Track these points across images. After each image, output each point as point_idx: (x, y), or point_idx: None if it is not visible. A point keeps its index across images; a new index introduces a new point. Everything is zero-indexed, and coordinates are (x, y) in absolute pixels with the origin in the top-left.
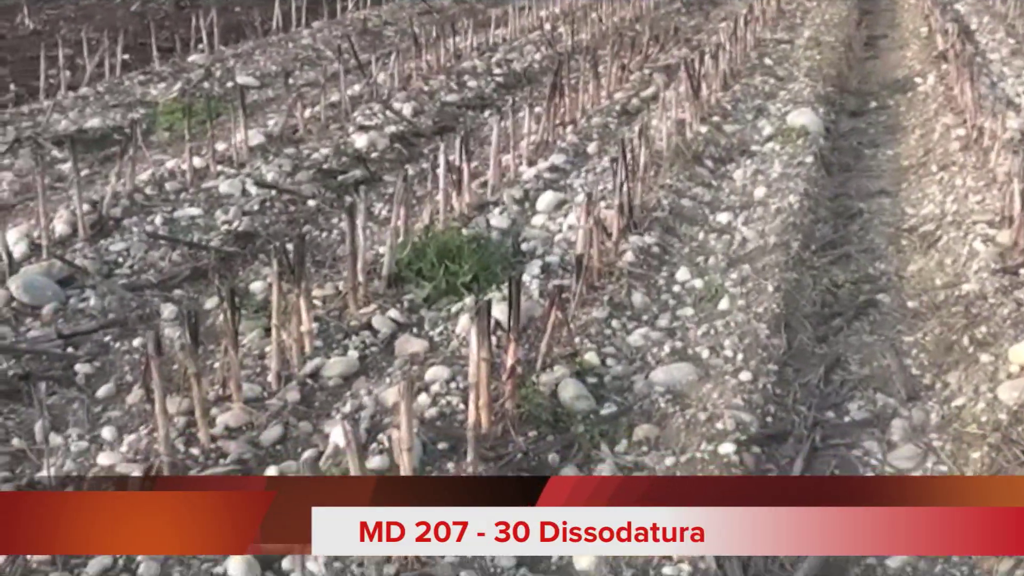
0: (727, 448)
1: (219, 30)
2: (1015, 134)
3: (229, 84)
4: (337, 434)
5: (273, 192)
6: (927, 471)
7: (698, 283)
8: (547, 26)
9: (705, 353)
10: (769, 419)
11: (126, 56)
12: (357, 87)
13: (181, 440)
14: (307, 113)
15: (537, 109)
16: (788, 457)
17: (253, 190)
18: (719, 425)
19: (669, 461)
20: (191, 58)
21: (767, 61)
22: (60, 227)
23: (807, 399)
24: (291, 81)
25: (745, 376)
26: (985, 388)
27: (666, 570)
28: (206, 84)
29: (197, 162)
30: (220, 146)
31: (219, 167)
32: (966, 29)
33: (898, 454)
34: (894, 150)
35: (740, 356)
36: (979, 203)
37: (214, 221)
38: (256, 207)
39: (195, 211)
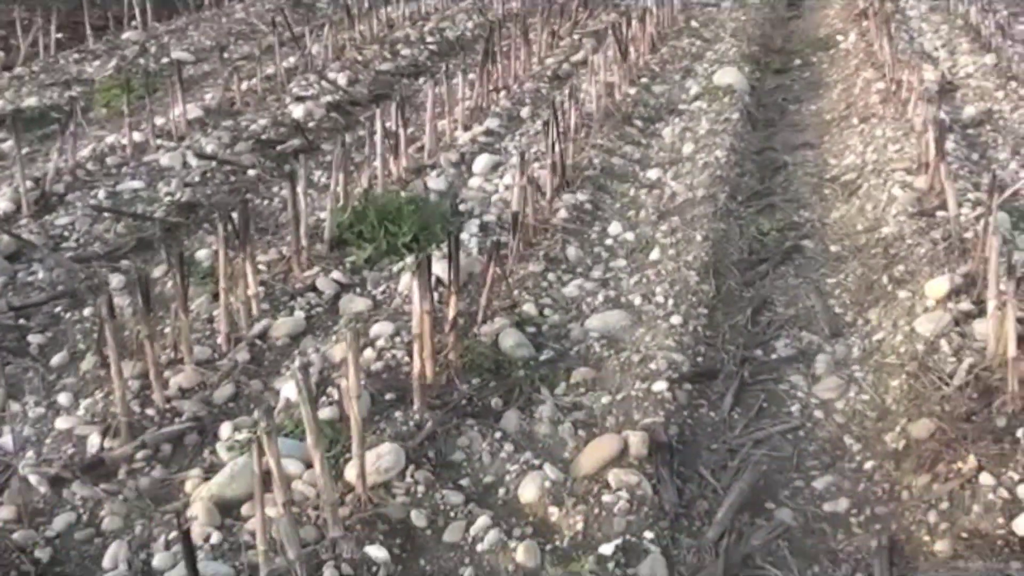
0: (660, 386)
1: (152, 6)
2: (931, 85)
3: (164, 60)
4: (288, 389)
5: (213, 163)
6: (850, 400)
7: (630, 236)
8: None
9: (638, 300)
10: (700, 359)
11: (60, 35)
12: (292, 59)
13: (136, 402)
14: (244, 86)
15: (471, 76)
16: (719, 393)
17: (194, 162)
18: (652, 366)
19: (605, 400)
20: (125, 35)
21: (694, 24)
22: (3, 204)
23: (735, 339)
24: (226, 55)
25: (676, 320)
26: (903, 322)
27: (606, 497)
28: (141, 60)
29: (137, 137)
30: (159, 120)
31: (159, 141)
32: None
33: (822, 386)
34: (817, 105)
35: (671, 302)
36: (897, 152)
37: (157, 193)
38: (197, 178)
39: (138, 184)
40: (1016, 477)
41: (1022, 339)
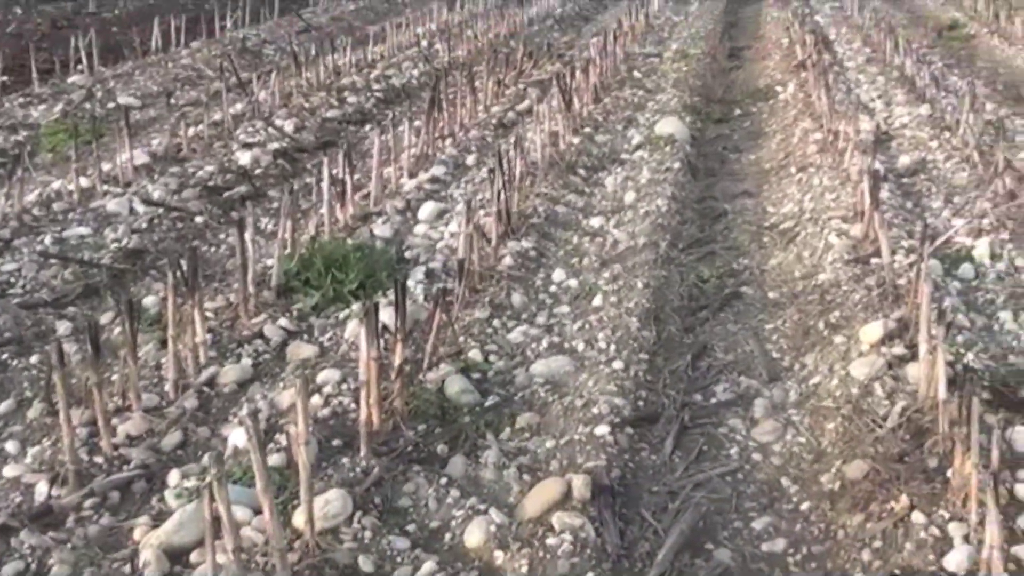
0: (602, 430)
1: (98, 51)
2: (867, 136)
3: (111, 105)
4: (236, 435)
5: (160, 210)
6: (787, 443)
7: (573, 283)
8: (424, 43)
9: (581, 346)
10: (641, 403)
11: (5, 78)
12: (239, 105)
13: (84, 450)
14: (191, 132)
15: (416, 123)
16: (660, 437)
17: (140, 208)
18: (595, 410)
19: (549, 444)
20: (71, 79)
21: (636, 74)
22: None
23: (676, 384)
24: (173, 101)
25: (618, 365)
26: (838, 366)
27: (550, 540)
28: (88, 105)
29: (84, 182)
30: (106, 166)
31: (106, 187)
32: (825, 39)
33: (760, 429)
34: (756, 154)
35: (613, 347)
36: (834, 200)
37: (104, 239)
38: (144, 225)
39: (84, 230)
40: (947, 515)
41: (952, 382)
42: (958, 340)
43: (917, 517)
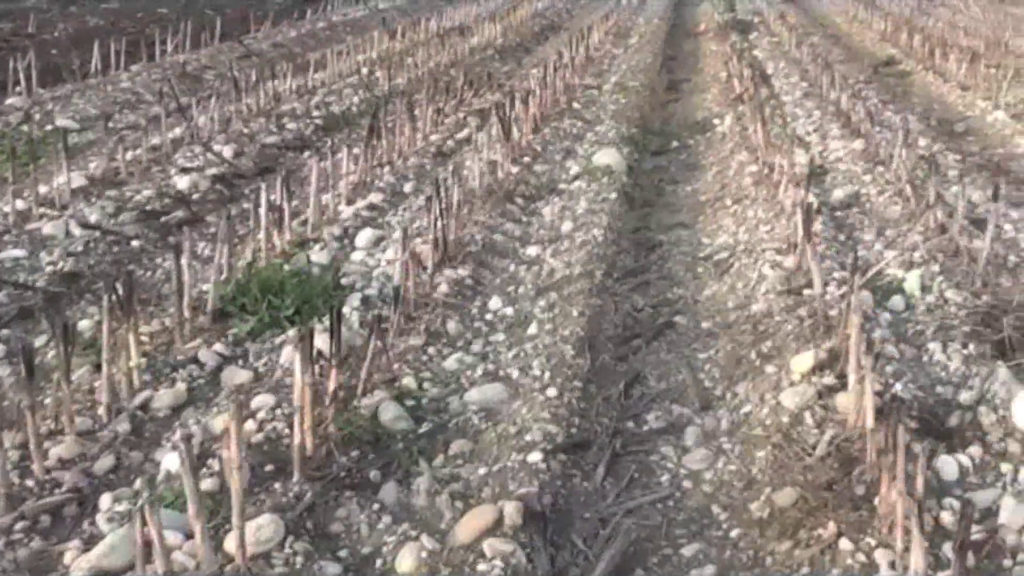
0: (535, 457)
1: (37, 73)
2: (802, 169)
3: (49, 127)
4: (169, 460)
5: (97, 233)
6: (717, 470)
7: (509, 311)
8: (364, 70)
9: (515, 374)
10: (574, 430)
11: None
12: (178, 130)
13: (16, 473)
14: (129, 156)
15: (355, 150)
16: (592, 463)
17: (77, 231)
18: (528, 437)
19: (482, 471)
20: (9, 101)
21: (575, 105)
22: None
23: (609, 412)
24: (112, 124)
25: (552, 392)
26: (769, 396)
27: (481, 566)
28: (25, 127)
29: (20, 204)
30: (42, 188)
31: (42, 209)
32: (763, 74)
33: (692, 457)
34: (693, 186)
35: (547, 375)
36: (768, 232)
37: (39, 262)
38: (80, 248)
39: (19, 252)
40: (873, 542)
41: (880, 411)
42: (887, 370)
43: (844, 544)
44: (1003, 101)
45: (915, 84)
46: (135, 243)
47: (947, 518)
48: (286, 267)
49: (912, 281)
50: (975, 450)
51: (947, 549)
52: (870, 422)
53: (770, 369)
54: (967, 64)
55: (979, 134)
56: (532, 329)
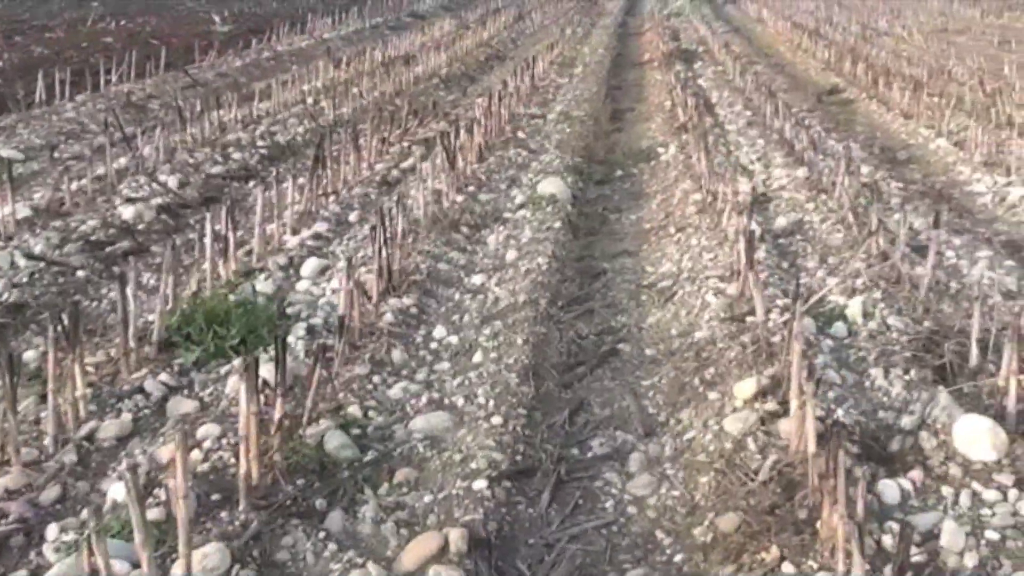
0: (480, 484)
1: None
2: (745, 197)
3: None
4: (116, 490)
5: (42, 264)
6: (661, 496)
7: (454, 339)
8: (310, 100)
9: (460, 402)
10: (519, 457)
11: None
12: (123, 160)
13: None
14: (74, 186)
15: (301, 180)
16: (537, 490)
17: (22, 262)
18: (473, 464)
19: (427, 499)
20: None
21: (520, 134)
22: None
23: (553, 439)
24: (57, 154)
25: (496, 420)
26: (713, 422)
27: None
28: None
29: None
30: None
31: None
32: (707, 102)
33: (636, 483)
34: (637, 214)
35: (492, 403)
36: (712, 260)
37: None
38: (26, 279)
39: None
40: (815, 566)
41: (822, 437)
42: (830, 396)
43: (787, 568)
44: (945, 129)
45: (859, 112)
46: (80, 274)
47: (888, 541)
48: (231, 297)
49: (854, 308)
50: (916, 474)
51: (888, 572)
52: (811, 447)
53: (713, 395)
54: (910, 93)
55: (922, 162)
56: (477, 357)
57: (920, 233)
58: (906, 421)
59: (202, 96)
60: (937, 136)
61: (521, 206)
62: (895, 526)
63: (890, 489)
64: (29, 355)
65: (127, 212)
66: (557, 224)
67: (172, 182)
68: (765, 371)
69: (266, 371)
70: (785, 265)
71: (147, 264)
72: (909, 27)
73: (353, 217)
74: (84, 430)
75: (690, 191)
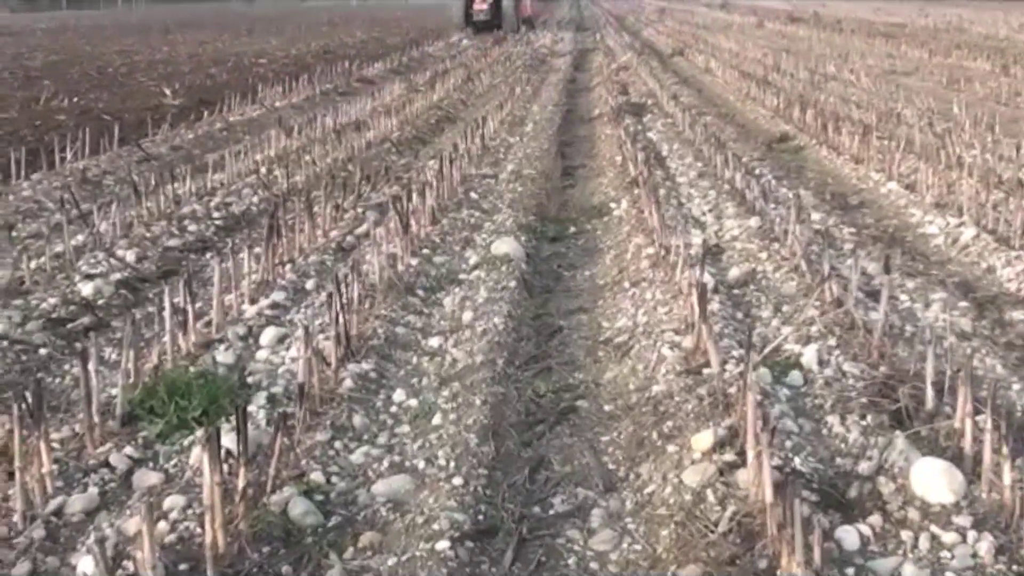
0: (443, 545)
1: None
2: (697, 250)
3: None
4: (85, 563)
5: (4, 343)
6: (623, 551)
7: (413, 402)
8: (263, 169)
9: (421, 464)
10: (481, 517)
11: None
12: (81, 237)
13: None
14: (33, 264)
15: (256, 250)
16: (500, 549)
17: None
18: (435, 526)
19: (391, 562)
20: None
21: (473, 195)
22: None
23: (515, 497)
24: (15, 234)
25: (458, 481)
26: (672, 475)
27: None
28: None
29: None
30: None
31: None
32: (658, 155)
33: (597, 539)
34: (591, 270)
35: (453, 464)
36: (667, 313)
37: None
38: None
39: None
40: None
41: (779, 486)
42: (787, 445)
43: None
44: (896, 172)
45: (809, 159)
46: (43, 351)
47: None
48: (192, 369)
49: (809, 356)
50: (875, 519)
51: None
52: (769, 497)
53: (672, 448)
54: (860, 137)
55: (873, 206)
56: (436, 419)
57: (874, 278)
58: (864, 467)
59: (156, 170)
60: (888, 179)
61: (476, 267)
62: (854, 572)
63: (849, 535)
64: None
65: (87, 288)
66: (512, 283)
67: (130, 257)
68: (722, 422)
69: (229, 441)
70: (740, 316)
71: (108, 339)
72: (857, 71)
73: (310, 285)
74: (52, 505)
75: (643, 245)
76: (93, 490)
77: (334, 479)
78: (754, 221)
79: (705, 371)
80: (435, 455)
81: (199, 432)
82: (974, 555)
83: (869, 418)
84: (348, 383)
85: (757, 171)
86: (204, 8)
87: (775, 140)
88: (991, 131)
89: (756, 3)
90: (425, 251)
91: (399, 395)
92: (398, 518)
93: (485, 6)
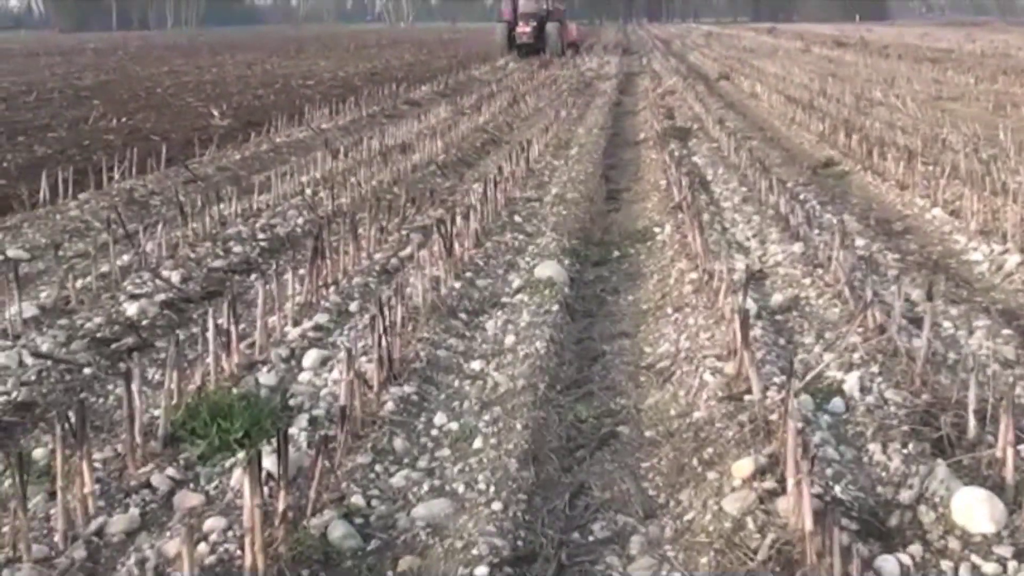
0: (482, 571)
1: None
2: (740, 275)
3: (0, 258)
4: None
5: (49, 362)
6: None
7: (454, 426)
8: (308, 191)
9: (461, 488)
10: (520, 543)
11: None
12: (126, 257)
13: None
14: (79, 284)
15: (301, 271)
16: (538, 575)
17: (29, 361)
18: (474, 551)
19: None
20: None
21: (517, 218)
22: None
23: (554, 523)
24: (61, 253)
25: (497, 506)
26: (712, 502)
27: None
28: None
29: None
30: None
31: None
32: (703, 180)
33: (636, 565)
34: (634, 295)
35: (492, 489)
36: (709, 339)
37: None
38: (34, 377)
39: None
40: None
41: (819, 514)
42: (828, 473)
43: None
44: (941, 198)
45: (854, 184)
46: (87, 371)
47: None
48: (235, 390)
49: (852, 382)
50: (916, 549)
51: None
52: (809, 525)
53: (712, 475)
54: (905, 163)
55: (918, 232)
56: (477, 443)
57: (917, 305)
58: (905, 495)
59: (203, 190)
60: (933, 206)
61: (519, 290)
62: None
63: (889, 564)
64: (38, 453)
65: (131, 308)
66: (555, 307)
67: (175, 277)
68: (763, 450)
69: (270, 463)
70: (782, 342)
71: (152, 359)
72: (903, 96)
73: (353, 307)
74: (93, 526)
75: (686, 270)
76: (134, 511)
77: (374, 502)
78: (798, 247)
79: (746, 398)
80: (475, 479)
81: (240, 454)
82: None
83: (911, 446)
84: (390, 406)
85: (801, 196)
86: (253, 30)
87: (820, 165)
88: None
89: (803, 28)
90: (468, 274)
91: (440, 418)
92: (437, 542)
93: (528, 29)
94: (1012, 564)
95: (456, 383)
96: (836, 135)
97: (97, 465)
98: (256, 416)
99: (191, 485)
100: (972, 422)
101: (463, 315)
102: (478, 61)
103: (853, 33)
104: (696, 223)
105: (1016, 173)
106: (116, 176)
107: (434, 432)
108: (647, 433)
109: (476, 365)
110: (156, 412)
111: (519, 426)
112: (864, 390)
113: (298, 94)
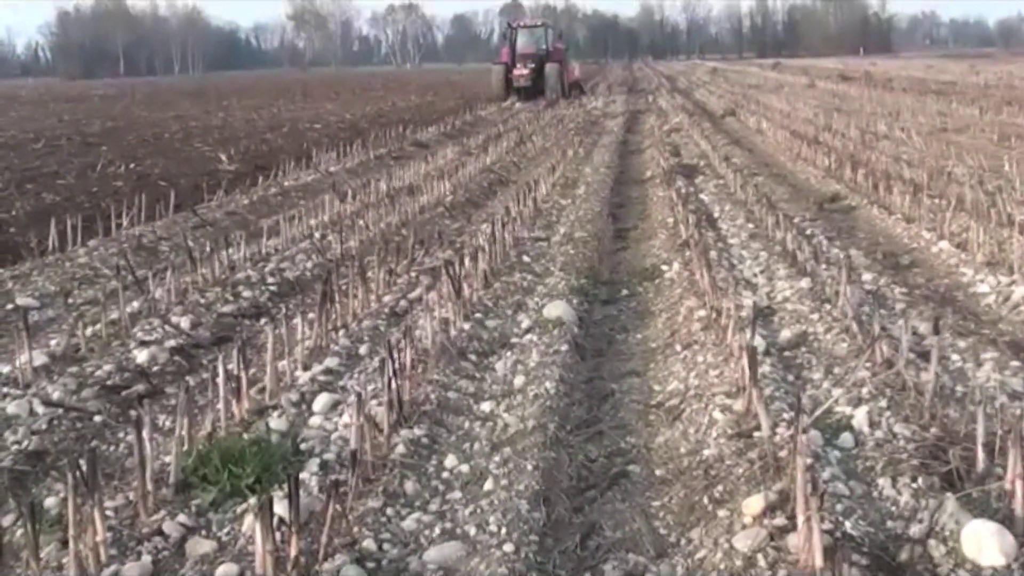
0: None
1: None
2: (748, 312)
3: (9, 306)
4: None
5: (60, 410)
6: None
7: (465, 468)
8: (317, 234)
9: (473, 530)
10: None
11: None
12: (136, 303)
13: None
14: (88, 331)
15: (310, 315)
16: None
17: (40, 409)
18: None
19: None
20: None
21: (525, 258)
22: None
23: (565, 564)
24: (71, 300)
25: (508, 548)
26: (723, 539)
27: None
28: None
29: None
30: (5, 368)
31: (5, 389)
32: (709, 217)
33: None
34: (643, 333)
35: (504, 530)
36: (718, 376)
37: (4, 442)
38: (44, 426)
39: None
40: None
41: (829, 550)
42: (838, 508)
43: None
44: (947, 231)
45: (860, 218)
46: (97, 418)
47: None
48: (246, 436)
49: (860, 417)
50: None
51: None
52: (819, 561)
53: (722, 513)
54: (911, 196)
55: (924, 265)
56: (488, 485)
57: (925, 338)
58: (915, 530)
59: (211, 235)
60: (939, 238)
61: (528, 331)
62: None
63: None
64: (50, 501)
65: (141, 355)
66: (564, 347)
67: (184, 323)
68: (773, 486)
69: (281, 508)
70: (791, 378)
71: (162, 406)
72: (908, 129)
73: (363, 350)
74: (106, 574)
75: (695, 308)
76: (147, 558)
77: (386, 546)
78: (805, 282)
79: (756, 434)
80: (486, 521)
81: (252, 500)
82: None
83: (920, 480)
84: (400, 449)
85: (808, 231)
86: (259, 74)
87: (826, 200)
88: None
89: (808, 63)
90: (477, 315)
91: (451, 460)
92: None
93: (526, 71)
94: None
95: (466, 425)
96: (842, 169)
97: (109, 513)
98: (267, 461)
99: (203, 532)
100: (981, 455)
101: (472, 356)
102: (484, 101)
103: (858, 67)
104: (703, 260)
105: (1022, 204)
106: (125, 222)
107: (445, 474)
108: (657, 472)
109: (486, 406)
110: (167, 459)
111: (530, 467)
112: (873, 425)
113: (305, 137)
